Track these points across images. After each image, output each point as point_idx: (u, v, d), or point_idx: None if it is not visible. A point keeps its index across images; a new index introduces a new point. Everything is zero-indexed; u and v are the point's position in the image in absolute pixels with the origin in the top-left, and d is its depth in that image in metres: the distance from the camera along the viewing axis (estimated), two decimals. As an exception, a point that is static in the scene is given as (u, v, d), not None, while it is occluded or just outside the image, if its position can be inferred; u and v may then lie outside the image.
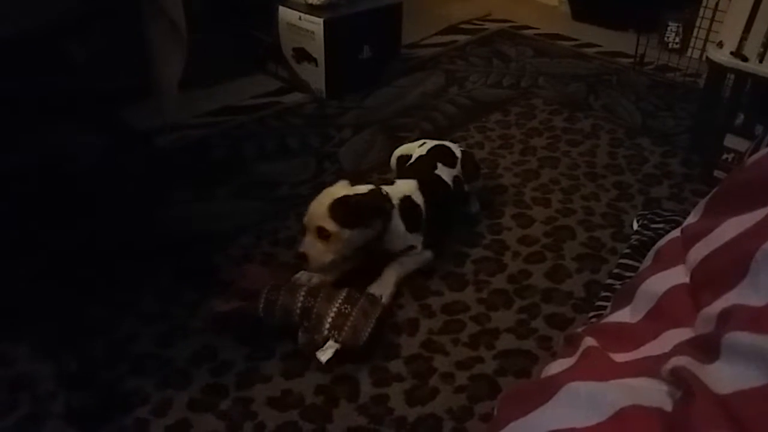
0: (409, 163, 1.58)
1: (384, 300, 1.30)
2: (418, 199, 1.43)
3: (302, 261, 1.30)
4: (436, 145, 1.60)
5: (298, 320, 1.22)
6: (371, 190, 1.35)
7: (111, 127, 1.67)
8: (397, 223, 1.38)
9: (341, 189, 1.34)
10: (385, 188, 1.39)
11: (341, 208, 1.28)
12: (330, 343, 1.20)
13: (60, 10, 1.31)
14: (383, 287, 1.35)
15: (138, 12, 1.47)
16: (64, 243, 1.48)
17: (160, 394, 1.17)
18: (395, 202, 1.37)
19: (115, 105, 1.74)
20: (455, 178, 1.54)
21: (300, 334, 1.23)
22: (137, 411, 1.13)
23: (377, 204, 1.33)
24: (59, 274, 1.41)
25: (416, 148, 1.62)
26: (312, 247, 1.30)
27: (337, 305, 1.22)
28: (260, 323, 1.26)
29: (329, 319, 1.20)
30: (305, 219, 1.31)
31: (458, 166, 1.57)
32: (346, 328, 1.19)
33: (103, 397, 1.16)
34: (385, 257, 1.40)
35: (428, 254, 1.44)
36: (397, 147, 1.71)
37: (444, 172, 1.52)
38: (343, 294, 1.24)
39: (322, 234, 1.28)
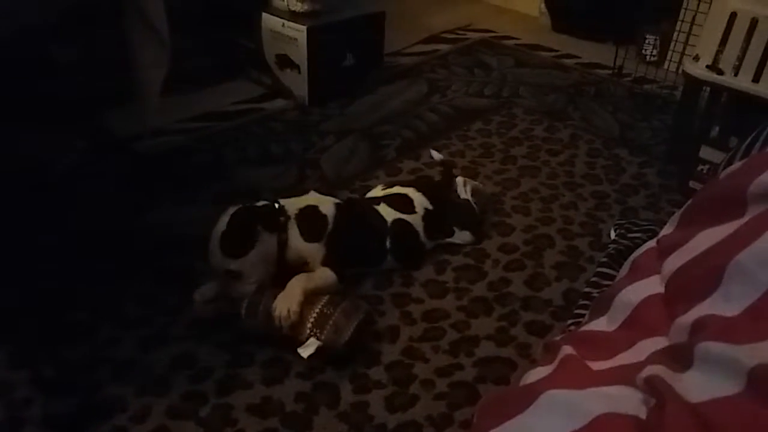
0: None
1: (293, 310, 1.21)
2: (327, 210, 1.36)
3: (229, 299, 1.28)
4: (397, 193, 1.56)
5: (279, 324, 1.23)
6: (262, 206, 1.31)
7: (91, 131, 1.66)
8: (294, 232, 1.32)
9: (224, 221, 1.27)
10: (285, 201, 1.34)
11: (229, 242, 1.24)
12: (312, 340, 1.21)
13: (42, 14, 1.30)
14: (289, 299, 1.23)
15: (120, 17, 1.46)
16: (42, 247, 1.47)
17: (139, 400, 1.16)
18: (293, 211, 1.32)
19: (96, 110, 1.74)
20: (399, 221, 1.48)
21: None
22: (115, 418, 1.13)
23: (260, 218, 1.28)
24: (38, 279, 1.40)
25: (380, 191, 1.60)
26: (230, 287, 1.27)
27: (320, 307, 1.23)
28: (240, 328, 1.27)
29: (311, 319, 1.22)
30: (211, 264, 1.27)
31: (417, 217, 1.51)
32: (327, 327, 1.21)
33: (81, 404, 1.15)
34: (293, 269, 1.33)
35: (330, 274, 1.33)
36: (379, 154, 1.70)
37: (386, 211, 1.48)
38: (325, 298, 1.26)
39: (232, 275, 1.26)
